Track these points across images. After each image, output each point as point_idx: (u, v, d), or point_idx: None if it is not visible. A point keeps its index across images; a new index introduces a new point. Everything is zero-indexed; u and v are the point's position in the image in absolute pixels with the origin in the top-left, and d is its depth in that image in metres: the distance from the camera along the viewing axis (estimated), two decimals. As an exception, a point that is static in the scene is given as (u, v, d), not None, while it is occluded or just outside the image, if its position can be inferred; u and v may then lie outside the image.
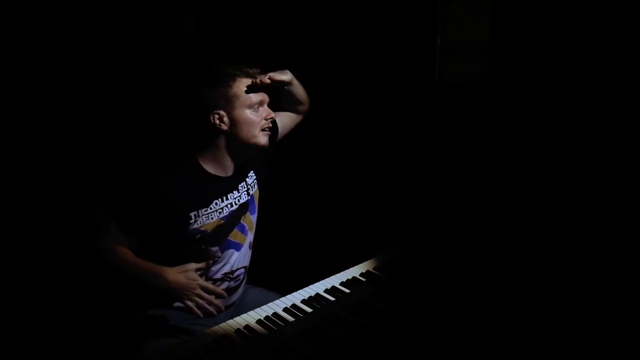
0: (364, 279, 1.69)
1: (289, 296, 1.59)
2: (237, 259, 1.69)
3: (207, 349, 1.33)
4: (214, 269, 1.64)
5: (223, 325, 1.44)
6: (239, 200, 1.66)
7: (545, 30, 1.77)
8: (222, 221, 1.61)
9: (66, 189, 1.97)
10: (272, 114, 1.60)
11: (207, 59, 2.25)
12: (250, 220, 1.73)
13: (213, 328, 1.43)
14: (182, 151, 1.63)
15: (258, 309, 1.51)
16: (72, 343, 1.92)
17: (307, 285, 1.65)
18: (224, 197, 1.61)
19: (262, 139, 1.58)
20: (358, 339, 1.38)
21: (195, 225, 1.55)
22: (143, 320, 1.62)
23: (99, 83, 2.00)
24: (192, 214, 1.54)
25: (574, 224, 1.70)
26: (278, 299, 1.58)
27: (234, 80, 1.52)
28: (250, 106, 1.54)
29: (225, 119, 1.53)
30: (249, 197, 1.71)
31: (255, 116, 1.55)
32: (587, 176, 1.70)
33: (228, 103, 1.52)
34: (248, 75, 1.54)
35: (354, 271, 1.74)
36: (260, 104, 1.56)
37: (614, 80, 1.61)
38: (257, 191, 1.77)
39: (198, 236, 1.57)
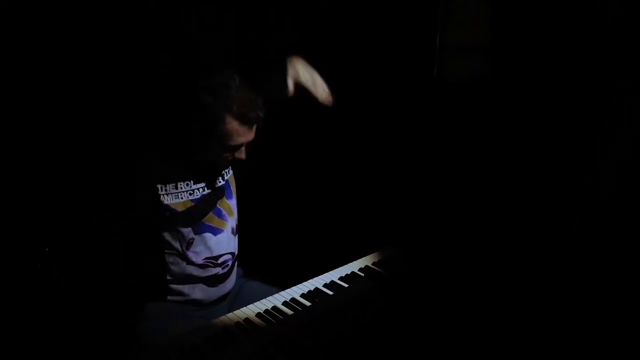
0: (362, 274, 1.68)
1: (288, 290, 1.58)
2: (218, 244, 1.66)
3: (207, 342, 1.31)
4: (191, 253, 1.60)
5: (223, 318, 1.43)
6: (212, 184, 1.66)
7: (546, 31, 1.78)
8: (192, 203, 1.59)
9: (66, 188, 1.95)
10: (243, 157, 1.58)
11: (207, 59, 2.25)
12: (228, 205, 1.72)
13: (213, 321, 1.42)
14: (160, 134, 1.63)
15: (257, 302, 1.50)
16: (73, 342, 1.90)
17: (306, 280, 1.64)
18: (195, 179, 1.60)
19: (221, 165, 1.65)
20: (357, 333, 1.37)
21: (165, 201, 1.54)
22: (143, 317, 1.60)
23: (96, 82, 2.00)
24: (159, 186, 1.53)
25: (574, 224, 1.70)
26: (275, 292, 1.58)
27: (228, 118, 1.46)
28: (229, 148, 1.53)
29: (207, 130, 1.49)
30: (224, 182, 1.71)
31: (227, 151, 1.54)
32: (587, 176, 1.70)
33: (214, 128, 1.47)
34: (244, 119, 1.48)
35: (353, 266, 1.74)
36: (240, 145, 1.54)
37: (614, 80, 1.62)
38: (232, 176, 1.77)
39: (168, 214, 1.55)
